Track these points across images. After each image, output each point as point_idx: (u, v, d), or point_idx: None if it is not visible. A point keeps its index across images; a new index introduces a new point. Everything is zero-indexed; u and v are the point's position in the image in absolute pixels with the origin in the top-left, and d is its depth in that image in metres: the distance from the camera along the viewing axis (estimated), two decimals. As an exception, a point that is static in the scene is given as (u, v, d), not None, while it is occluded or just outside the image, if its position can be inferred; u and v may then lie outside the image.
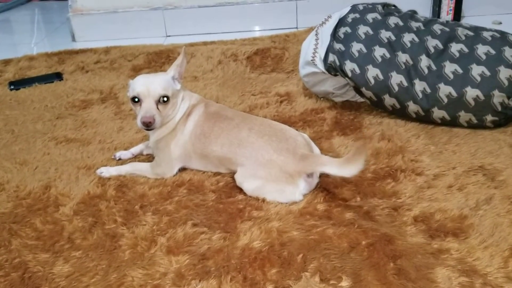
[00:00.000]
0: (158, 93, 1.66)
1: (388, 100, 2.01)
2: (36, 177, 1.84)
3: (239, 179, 1.65)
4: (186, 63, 1.76)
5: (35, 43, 3.74)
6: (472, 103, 1.87)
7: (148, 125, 1.64)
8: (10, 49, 3.55)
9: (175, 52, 3.03)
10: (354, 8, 2.19)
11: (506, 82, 1.84)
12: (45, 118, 2.33)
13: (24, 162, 1.95)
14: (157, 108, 1.66)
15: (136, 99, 1.67)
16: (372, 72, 2.00)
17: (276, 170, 1.58)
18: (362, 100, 2.18)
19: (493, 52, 1.88)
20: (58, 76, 2.81)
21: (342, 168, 1.49)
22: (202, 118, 1.75)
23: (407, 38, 2.01)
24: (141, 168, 1.81)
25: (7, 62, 3.13)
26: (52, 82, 2.75)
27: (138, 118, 1.66)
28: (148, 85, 1.67)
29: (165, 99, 1.68)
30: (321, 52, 2.12)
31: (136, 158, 1.94)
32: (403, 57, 1.97)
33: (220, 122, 1.73)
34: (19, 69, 2.99)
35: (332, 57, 2.07)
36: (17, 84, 2.75)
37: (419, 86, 1.93)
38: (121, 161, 1.91)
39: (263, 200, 1.60)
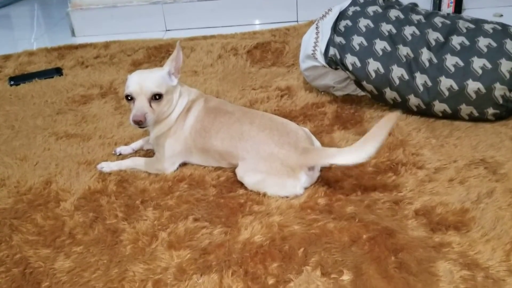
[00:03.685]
0: (151, 91, 1.64)
1: (389, 94, 2.00)
2: (37, 173, 1.83)
3: (240, 173, 1.64)
4: (184, 57, 1.73)
5: (34, 38, 3.73)
6: (473, 96, 1.86)
7: (139, 124, 1.62)
8: (10, 45, 3.54)
9: (174, 46, 2.99)
10: (354, 1, 2.18)
11: (507, 75, 1.83)
12: (45, 114, 2.33)
13: (25, 158, 1.95)
14: (150, 105, 1.64)
15: (129, 97, 1.66)
16: (373, 66, 1.99)
17: (277, 164, 1.57)
18: (363, 93, 2.17)
19: (494, 44, 1.87)
20: (58, 71, 2.81)
21: (357, 153, 1.46)
22: (202, 113, 1.75)
23: (408, 31, 2.00)
24: (142, 163, 1.80)
25: (7, 57, 3.13)
26: (52, 77, 2.74)
27: (130, 116, 1.64)
28: (141, 82, 1.64)
29: (158, 96, 1.65)
30: (322, 46, 2.11)
31: (137, 153, 1.94)
32: (404, 50, 1.97)
33: (221, 117, 1.72)
34: (19, 65, 2.99)
35: (332, 51, 2.06)
36: (17, 79, 2.74)
37: (420, 79, 1.93)
38: (121, 156, 1.91)
39: (264, 195, 1.60)
